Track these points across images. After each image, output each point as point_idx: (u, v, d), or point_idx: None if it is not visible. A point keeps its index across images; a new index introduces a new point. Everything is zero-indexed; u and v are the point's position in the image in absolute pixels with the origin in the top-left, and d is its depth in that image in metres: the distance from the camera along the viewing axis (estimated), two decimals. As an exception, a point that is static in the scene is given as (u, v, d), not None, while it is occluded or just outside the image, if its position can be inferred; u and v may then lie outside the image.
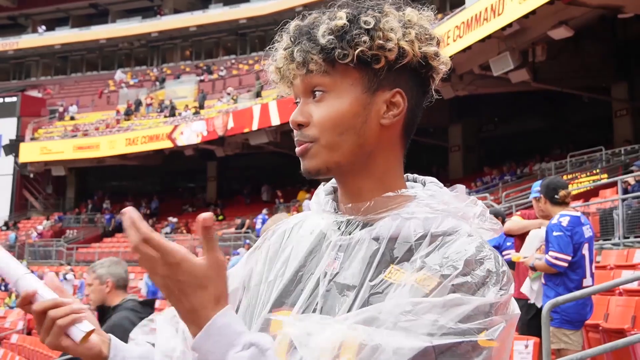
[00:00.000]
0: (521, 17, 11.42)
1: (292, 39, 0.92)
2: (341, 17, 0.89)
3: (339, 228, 0.93)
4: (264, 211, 18.62)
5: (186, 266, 0.77)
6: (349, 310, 0.84)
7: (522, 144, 18.65)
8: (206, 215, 0.78)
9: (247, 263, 1.03)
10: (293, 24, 0.94)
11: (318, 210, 0.98)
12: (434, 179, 0.98)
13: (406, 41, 0.89)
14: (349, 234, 0.91)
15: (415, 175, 0.98)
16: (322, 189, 1.01)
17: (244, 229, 19.22)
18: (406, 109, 0.91)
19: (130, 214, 0.78)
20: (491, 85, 14.93)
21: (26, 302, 0.93)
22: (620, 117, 16.30)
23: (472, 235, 0.87)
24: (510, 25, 11.80)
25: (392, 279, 0.85)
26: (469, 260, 0.82)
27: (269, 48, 0.97)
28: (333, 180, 0.99)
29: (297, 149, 0.92)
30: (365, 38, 0.87)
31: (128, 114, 26.71)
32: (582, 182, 12.83)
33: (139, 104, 27.20)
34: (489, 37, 12.38)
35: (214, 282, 0.78)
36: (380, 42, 0.88)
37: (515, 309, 0.85)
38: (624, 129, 16.10)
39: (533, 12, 11.23)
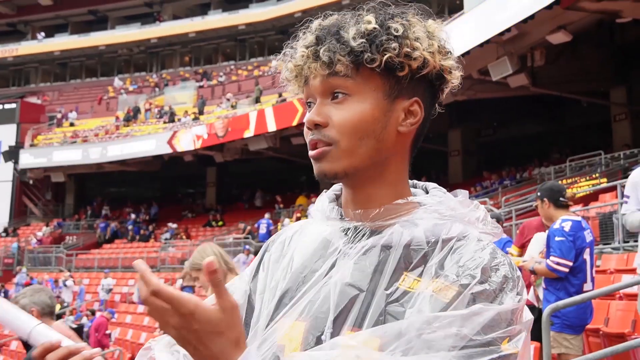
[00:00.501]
0: (519, 21, 11.37)
1: (317, 38, 0.91)
2: (370, 21, 0.89)
3: (345, 234, 0.93)
4: (266, 216, 18.56)
5: (200, 314, 0.76)
6: (363, 318, 0.84)
7: (521, 149, 18.63)
8: (210, 259, 0.77)
9: (248, 276, 1.03)
10: (316, 23, 0.93)
11: (321, 218, 0.98)
12: (436, 185, 0.98)
13: (429, 52, 0.90)
14: (357, 241, 0.91)
15: (415, 181, 0.99)
16: (325, 196, 1.00)
17: (243, 235, 19.18)
18: (422, 118, 0.93)
19: (139, 267, 0.77)
20: (490, 90, 14.88)
21: (47, 352, 0.93)
22: (619, 121, 16.28)
23: (481, 240, 0.88)
24: (508, 30, 11.75)
25: (407, 286, 0.85)
26: (485, 268, 0.83)
27: (287, 45, 0.96)
28: (335, 187, 1.00)
29: (314, 151, 0.91)
30: (395, 45, 0.88)
31: (127, 119, 26.68)
32: (582, 187, 12.77)
33: (137, 110, 27.18)
34: (487, 41, 12.33)
35: (230, 326, 0.78)
36: (407, 50, 0.88)
37: (528, 314, 0.86)
38: (623, 133, 16.07)
39: (531, 17, 11.13)
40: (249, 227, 18.92)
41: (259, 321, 0.94)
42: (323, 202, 0.99)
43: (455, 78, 0.95)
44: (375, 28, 0.89)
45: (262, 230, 17.34)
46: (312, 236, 0.98)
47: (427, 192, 0.97)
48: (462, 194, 0.95)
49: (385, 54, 0.88)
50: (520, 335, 0.81)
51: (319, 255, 0.94)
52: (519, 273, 0.85)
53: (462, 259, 0.85)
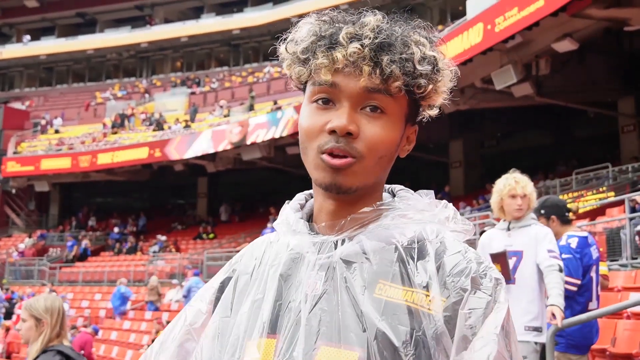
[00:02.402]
0: (524, 29, 11.07)
1: (380, 44, 0.87)
2: (424, 44, 0.90)
3: (315, 247, 0.92)
4: (269, 225, 17.87)
5: None
6: (338, 332, 0.85)
7: (525, 160, 18.19)
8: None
9: (217, 287, 1.01)
10: (373, 20, 0.89)
11: (287, 231, 0.96)
12: (403, 187, 0.99)
13: (443, 90, 0.93)
14: (326, 254, 0.90)
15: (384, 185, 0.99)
16: (289, 208, 0.98)
17: (237, 249, 18.51)
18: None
19: None
20: (493, 99, 14.69)
21: None
22: (627, 132, 15.90)
23: (458, 243, 0.90)
24: (513, 37, 11.45)
25: (384, 295, 0.86)
26: (474, 277, 0.86)
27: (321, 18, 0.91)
28: (299, 196, 1.00)
29: (340, 161, 0.87)
30: (440, 78, 0.90)
31: (114, 126, 26.03)
32: (588, 200, 12.59)
33: (124, 117, 26.54)
34: (490, 49, 11.98)
35: None
36: (440, 84, 0.91)
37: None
38: (631, 145, 15.70)
39: (536, 24, 10.90)
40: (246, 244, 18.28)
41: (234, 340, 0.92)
42: (288, 214, 0.97)
43: (430, 113, 0.96)
44: (433, 56, 0.89)
45: None
46: (281, 252, 0.96)
47: (394, 195, 0.97)
48: (429, 194, 0.96)
49: (430, 86, 0.89)
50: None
51: (292, 273, 0.92)
52: (495, 269, 0.91)
53: (447, 266, 0.87)
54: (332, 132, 0.86)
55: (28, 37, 32.80)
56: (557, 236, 4.01)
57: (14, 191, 26.29)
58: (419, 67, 0.86)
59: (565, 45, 11.39)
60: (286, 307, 0.89)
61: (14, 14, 32.66)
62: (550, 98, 14.02)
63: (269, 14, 27.98)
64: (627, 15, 11.03)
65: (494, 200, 3.65)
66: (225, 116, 23.36)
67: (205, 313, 0.98)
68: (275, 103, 21.51)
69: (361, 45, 0.85)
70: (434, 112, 0.95)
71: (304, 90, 0.94)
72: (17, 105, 31.02)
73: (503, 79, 12.52)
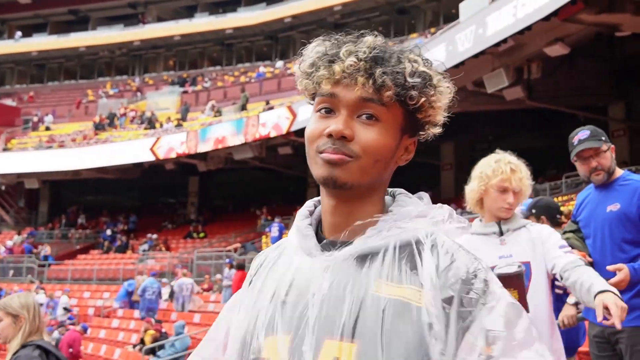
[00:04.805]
0: (516, 33, 11.12)
1: (375, 57, 0.96)
2: (417, 62, 0.98)
3: (320, 250, 1.00)
4: (277, 219, 17.81)
5: None
6: (344, 328, 0.92)
7: (516, 164, 18.27)
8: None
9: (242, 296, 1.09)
10: (370, 40, 0.99)
11: (297, 237, 1.04)
12: (404, 191, 1.06)
13: (439, 106, 1.00)
14: (330, 256, 0.98)
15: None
16: (300, 213, 1.07)
17: (227, 249, 18.48)
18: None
19: None
20: (485, 102, 14.69)
21: None
22: (617, 137, 15.98)
23: (451, 243, 0.97)
24: (504, 41, 11.49)
25: (381, 293, 0.93)
26: (464, 279, 0.93)
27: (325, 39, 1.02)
28: (309, 203, 1.08)
29: (335, 155, 0.96)
30: (432, 92, 0.98)
31: (98, 128, 25.81)
32: None
33: (113, 117, 26.38)
34: (482, 52, 12.02)
35: None
36: (434, 99, 0.99)
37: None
38: (621, 150, 15.75)
39: (528, 28, 10.94)
40: (237, 245, 18.28)
41: (246, 338, 1.01)
42: (297, 221, 1.06)
43: (433, 131, 1.04)
44: (425, 72, 0.98)
45: (274, 233, 16.84)
46: (293, 256, 1.04)
47: (394, 198, 1.05)
48: (425, 196, 1.04)
49: (422, 98, 0.98)
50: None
51: (300, 273, 1.00)
52: (490, 271, 0.96)
53: (439, 267, 0.93)
54: (330, 135, 0.96)
55: (20, 33, 32.51)
56: None
57: (3, 188, 26.08)
58: (409, 79, 0.95)
59: (556, 50, 11.45)
60: (296, 307, 0.98)
61: (5, 10, 32.36)
62: (541, 102, 14.10)
63: (262, 14, 27.91)
64: (618, 21, 11.08)
65: (472, 188, 2.57)
66: (217, 114, 23.33)
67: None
68: (267, 103, 21.49)
69: (357, 59, 0.95)
70: (437, 130, 1.03)
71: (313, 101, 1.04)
72: (7, 101, 30.76)
73: (495, 83, 12.56)
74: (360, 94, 0.96)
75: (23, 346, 2.70)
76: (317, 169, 0.97)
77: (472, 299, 0.91)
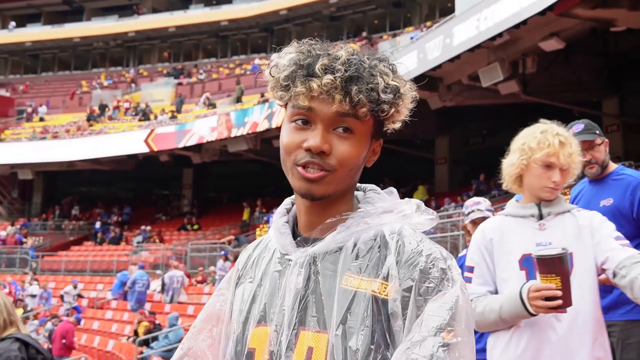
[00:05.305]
0: (512, 27, 11.12)
1: (349, 77, 1.00)
2: (388, 75, 1.04)
3: (295, 247, 1.07)
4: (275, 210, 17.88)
5: None
6: (321, 318, 1.01)
7: (510, 158, 18.30)
8: None
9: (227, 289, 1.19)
10: (344, 54, 1.02)
11: (276, 232, 1.11)
12: (373, 187, 1.13)
13: (404, 110, 1.07)
14: (304, 252, 1.05)
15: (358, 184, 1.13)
16: (278, 212, 1.13)
17: (221, 241, 18.47)
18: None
19: None
20: (480, 96, 14.69)
21: None
22: (611, 132, 16.01)
23: (414, 236, 1.03)
24: (500, 35, 11.49)
25: (349, 285, 1.01)
26: (422, 269, 0.99)
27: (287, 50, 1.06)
28: (285, 201, 1.14)
29: (313, 175, 1.02)
30: (401, 103, 1.05)
31: (89, 120, 25.65)
32: None
33: (104, 108, 26.24)
34: (478, 46, 11.99)
35: None
36: (400, 108, 1.06)
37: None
38: (615, 145, 15.74)
39: (524, 22, 10.93)
40: (231, 237, 18.28)
41: (234, 328, 1.11)
42: (275, 218, 1.13)
43: (394, 127, 1.10)
44: (395, 85, 1.03)
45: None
46: (272, 252, 1.12)
47: (365, 193, 1.11)
48: (394, 192, 1.11)
49: (392, 109, 1.04)
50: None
51: (278, 268, 1.08)
52: (450, 260, 1.00)
53: (402, 259, 1.00)
54: (308, 149, 1.01)
55: (13, 23, 32.28)
56: None
57: (-4, 178, 26.05)
58: (382, 95, 1.01)
59: (552, 44, 11.46)
60: (275, 300, 1.06)
61: (-1, 0, 32.28)
62: (536, 96, 14.05)
63: (257, 6, 27.77)
64: (613, 16, 11.11)
65: (511, 162, 2.20)
66: (212, 106, 23.26)
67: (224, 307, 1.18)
68: (262, 95, 21.44)
69: (334, 77, 0.99)
70: (397, 125, 1.09)
71: (285, 107, 1.08)
72: (1, 92, 30.56)
73: (490, 77, 12.55)
74: (337, 109, 1.00)
75: (1, 339, 2.70)
76: (295, 181, 1.03)
77: (429, 288, 0.97)
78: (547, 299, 1.91)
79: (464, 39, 12.30)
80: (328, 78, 0.99)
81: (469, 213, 3.63)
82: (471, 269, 2.17)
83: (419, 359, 0.93)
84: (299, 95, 1.01)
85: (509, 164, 2.22)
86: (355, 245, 1.03)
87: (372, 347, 0.97)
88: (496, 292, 2.13)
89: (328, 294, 1.01)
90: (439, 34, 13.25)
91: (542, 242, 2.11)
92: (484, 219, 3.57)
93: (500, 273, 2.12)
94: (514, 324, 2.05)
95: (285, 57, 1.04)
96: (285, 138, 1.04)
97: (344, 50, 1.03)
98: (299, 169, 1.02)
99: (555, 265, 1.90)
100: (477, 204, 3.65)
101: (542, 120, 2.27)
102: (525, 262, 2.08)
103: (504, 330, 2.09)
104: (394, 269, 0.99)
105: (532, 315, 1.97)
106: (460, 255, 3.75)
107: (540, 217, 2.15)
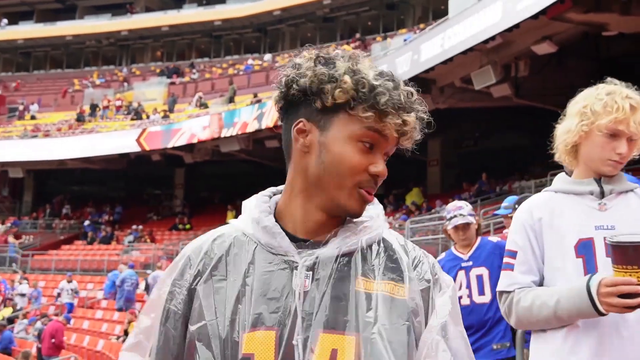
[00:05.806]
0: (504, 30, 11.19)
1: (418, 113, 1.06)
2: (420, 102, 1.08)
3: (300, 250, 1.04)
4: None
5: None
6: (334, 321, 1.00)
7: (502, 161, 18.37)
8: None
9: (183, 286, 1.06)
10: (412, 89, 1.06)
11: (263, 232, 1.05)
12: None
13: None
14: (312, 256, 1.03)
15: None
16: (260, 209, 1.07)
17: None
18: None
19: None
20: (472, 99, 14.79)
21: None
22: (601, 136, 16.14)
23: (398, 239, 1.10)
24: (493, 38, 11.54)
25: (362, 289, 1.02)
26: (430, 270, 1.08)
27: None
28: (264, 198, 1.10)
29: (371, 198, 1.06)
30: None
31: (79, 120, 25.52)
32: None
33: (94, 107, 26.12)
34: (471, 49, 12.04)
35: None
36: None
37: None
38: (606, 149, 15.90)
39: (517, 26, 10.98)
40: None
41: (219, 332, 1.01)
42: (259, 217, 1.06)
43: None
44: (420, 109, 1.08)
45: None
46: (252, 250, 1.05)
47: None
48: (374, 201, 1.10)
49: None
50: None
51: (270, 268, 1.03)
52: (431, 258, 1.10)
53: (412, 261, 1.07)
54: (375, 175, 1.03)
55: (5, 20, 32.06)
56: None
57: (-14, 177, 25.87)
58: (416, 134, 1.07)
59: (544, 48, 11.54)
60: (275, 303, 1.01)
61: (-9, -3, 32.06)
62: (528, 100, 14.17)
63: (251, 6, 27.77)
64: (605, 20, 11.20)
65: (568, 128, 1.82)
66: (204, 106, 23.22)
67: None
68: (255, 96, 21.42)
69: (416, 118, 1.04)
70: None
71: (322, 109, 1.04)
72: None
73: (482, 79, 12.63)
74: (396, 143, 1.06)
75: None
76: (351, 202, 1.03)
77: (436, 285, 1.07)
78: (624, 295, 1.55)
79: (455, 42, 12.36)
80: (413, 118, 1.03)
81: (451, 218, 3.62)
82: (513, 254, 1.81)
83: (441, 339, 1.04)
84: (391, 125, 1.02)
85: (565, 130, 1.82)
86: (362, 249, 1.05)
87: (409, 343, 1.02)
88: (541, 283, 1.79)
89: (344, 296, 1.01)
90: (432, 36, 13.31)
91: (603, 225, 1.74)
92: (466, 224, 3.59)
93: (551, 260, 1.77)
94: (570, 322, 1.72)
95: (369, 72, 1.03)
96: (354, 158, 1.02)
97: (403, 83, 1.05)
98: (362, 191, 1.03)
99: (638, 255, 1.53)
100: (459, 209, 3.63)
101: (608, 79, 1.88)
102: (583, 248, 1.73)
103: (551, 329, 1.77)
104: (408, 271, 1.05)
105: (602, 314, 1.63)
106: (438, 259, 3.72)
107: (602, 195, 1.79)
